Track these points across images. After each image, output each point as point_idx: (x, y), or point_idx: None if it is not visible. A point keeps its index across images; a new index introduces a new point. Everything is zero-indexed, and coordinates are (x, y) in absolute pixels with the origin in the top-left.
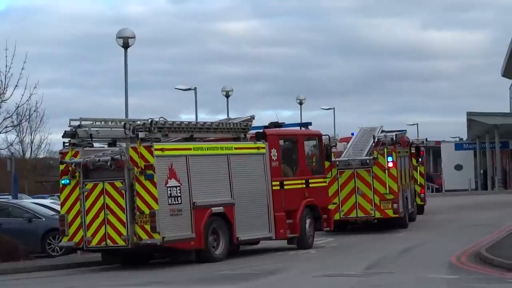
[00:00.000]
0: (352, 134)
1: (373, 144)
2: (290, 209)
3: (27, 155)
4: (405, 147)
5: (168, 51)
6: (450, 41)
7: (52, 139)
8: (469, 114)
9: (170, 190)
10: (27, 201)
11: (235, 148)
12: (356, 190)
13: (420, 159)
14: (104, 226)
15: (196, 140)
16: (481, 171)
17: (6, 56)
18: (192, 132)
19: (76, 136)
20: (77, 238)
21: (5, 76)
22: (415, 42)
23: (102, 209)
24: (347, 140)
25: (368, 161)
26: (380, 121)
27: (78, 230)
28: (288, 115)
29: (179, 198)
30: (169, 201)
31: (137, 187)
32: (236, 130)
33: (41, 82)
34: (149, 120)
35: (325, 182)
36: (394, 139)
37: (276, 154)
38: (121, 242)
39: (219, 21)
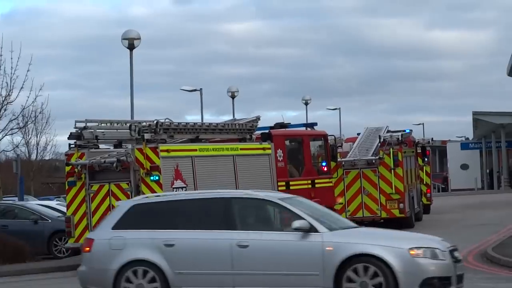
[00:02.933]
0: (358, 134)
1: (379, 144)
2: None
3: (33, 156)
4: (411, 146)
5: (173, 52)
6: (454, 41)
7: (57, 140)
8: (475, 113)
9: (176, 191)
10: (33, 203)
11: (241, 149)
12: (362, 190)
13: (426, 159)
14: None
15: (202, 141)
16: (487, 171)
17: (11, 58)
18: (197, 133)
19: (81, 138)
20: (83, 240)
21: (11, 78)
22: (420, 41)
23: (108, 211)
24: (353, 140)
25: (374, 161)
26: (386, 121)
27: (84, 231)
28: (293, 115)
29: None
30: None
31: (143, 188)
32: (242, 131)
33: (46, 84)
34: (155, 121)
35: (331, 182)
36: (400, 139)
37: (282, 154)
38: None
39: (223, 22)
